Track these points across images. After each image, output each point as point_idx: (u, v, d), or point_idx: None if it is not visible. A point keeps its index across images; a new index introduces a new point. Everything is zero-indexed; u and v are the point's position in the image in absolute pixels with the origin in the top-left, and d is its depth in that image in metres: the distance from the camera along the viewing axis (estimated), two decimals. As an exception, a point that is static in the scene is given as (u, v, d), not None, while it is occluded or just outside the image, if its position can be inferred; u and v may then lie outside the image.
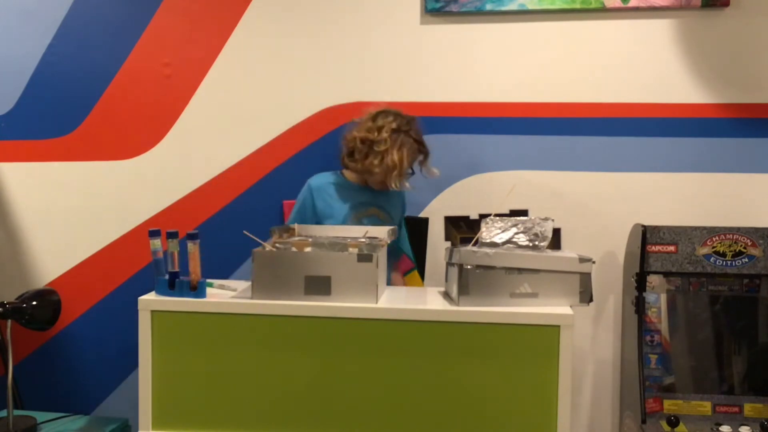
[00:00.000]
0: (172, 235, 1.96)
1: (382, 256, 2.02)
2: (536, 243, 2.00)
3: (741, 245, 2.33)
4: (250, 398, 1.92)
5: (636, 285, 2.39)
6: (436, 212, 2.69)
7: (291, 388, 1.91)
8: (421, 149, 2.39)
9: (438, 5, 2.64)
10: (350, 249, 1.97)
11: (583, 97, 2.65)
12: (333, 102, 2.73)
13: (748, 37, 2.57)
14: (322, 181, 2.48)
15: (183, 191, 2.80)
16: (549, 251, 2.00)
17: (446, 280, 2.13)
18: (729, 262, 2.33)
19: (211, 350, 1.93)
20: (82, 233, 2.83)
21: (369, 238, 2.16)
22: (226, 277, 2.62)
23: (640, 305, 2.37)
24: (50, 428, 2.31)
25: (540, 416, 1.84)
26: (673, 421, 2.22)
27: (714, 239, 2.34)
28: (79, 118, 2.82)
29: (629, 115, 2.63)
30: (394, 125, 2.36)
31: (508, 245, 2.01)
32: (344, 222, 2.40)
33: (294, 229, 2.25)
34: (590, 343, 2.68)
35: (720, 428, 2.24)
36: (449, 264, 2.05)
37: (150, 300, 1.95)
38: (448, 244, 2.67)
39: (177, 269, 1.97)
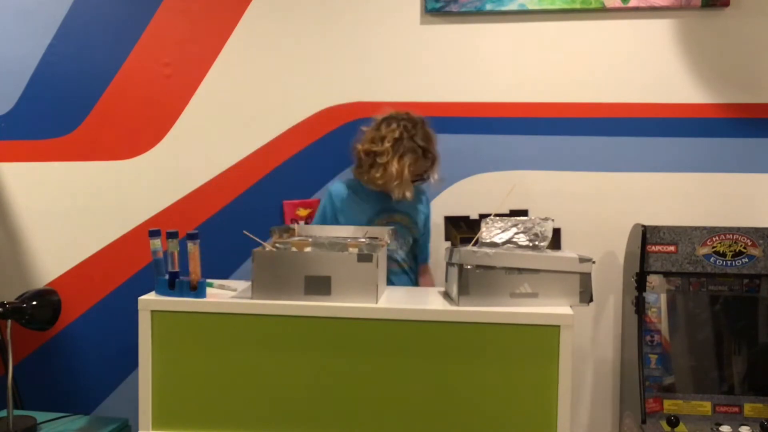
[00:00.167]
0: (172, 235, 1.96)
1: (382, 256, 2.02)
2: (536, 243, 2.00)
3: (741, 245, 2.33)
4: (250, 398, 1.92)
5: (636, 285, 2.39)
6: (436, 212, 2.69)
7: (291, 387, 1.91)
8: (426, 154, 2.36)
9: (438, 5, 2.64)
10: (350, 249, 1.97)
11: (583, 97, 2.64)
12: (333, 102, 2.73)
13: (748, 37, 2.57)
14: (341, 188, 2.49)
15: (183, 191, 2.80)
16: (549, 251, 2.01)
17: (446, 280, 2.13)
18: (729, 262, 2.33)
19: (211, 350, 1.93)
20: (82, 233, 2.83)
21: (369, 238, 2.16)
22: (226, 277, 2.61)
23: (640, 305, 2.37)
24: (50, 428, 2.31)
25: (540, 416, 1.85)
26: (673, 421, 2.22)
27: (714, 239, 2.34)
28: (79, 118, 2.82)
29: (629, 115, 2.62)
30: (396, 134, 2.35)
31: (508, 245, 2.01)
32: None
33: (294, 229, 2.25)
34: (590, 343, 2.68)
35: (720, 428, 2.23)
36: (449, 264, 2.05)
37: (150, 300, 1.95)
38: (448, 244, 2.67)
39: (177, 269, 1.97)
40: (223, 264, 2.64)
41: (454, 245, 2.44)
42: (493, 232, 2.04)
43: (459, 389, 1.88)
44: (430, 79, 2.69)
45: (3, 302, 2.27)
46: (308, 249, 2.00)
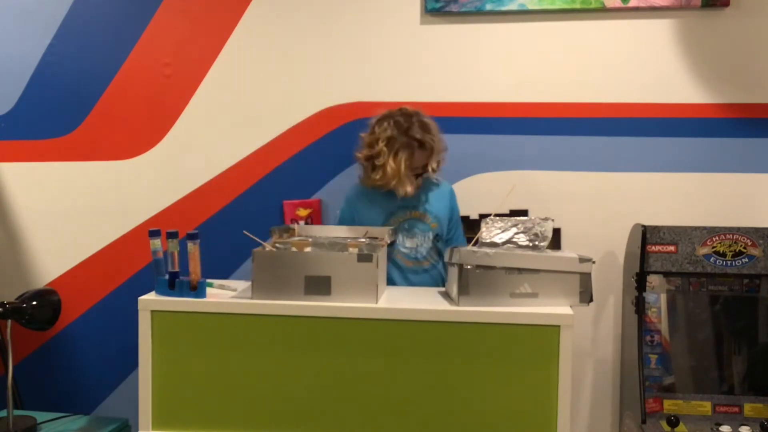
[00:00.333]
0: (172, 235, 1.96)
1: (382, 256, 2.02)
2: (536, 243, 2.00)
3: (741, 245, 2.33)
4: (250, 398, 1.92)
5: (636, 285, 2.39)
6: (436, 212, 2.69)
7: (291, 387, 1.91)
8: (423, 145, 2.32)
9: (438, 5, 2.64)
10: (350, 249, 1.97)
11: (583, 97, 2.64)
12: (333, 102, 2.73)
13: (748, 37, 2.57)
14: (354, 192, 2.49)
15: (183, 191, 2.80)
16: (549, 251, 2.01)
17: (446, 280, 2.13)
18: (729, 262, 2.33)
19: (211, 350, 1.93)
20: (82, 233, 2.83)
21: (369, 238, 2.16)
22: (226, 277, 2.61)
23: (640, 305, 2.37)
24: (50, 428, 2.31)
25: (540, 416, 1.85)
26: (673, 421, 2.22)
27: (714, 239, 2.34)
28: (79, 118, 2.82)
29: (629, 115, 2.62)
30: (388, 132, 2.33)
31: (508, 245, 2.01)
32: None
33: (294, 229, 2.25)
34: (590, 343, 2.68)
35: (720, 428, 2.23)
36: (449, 264, 2.05)
37: (150, 300, 1.95)
38: (448, 244, 2.67)
39: (177, 269, 1.97)
40: (223, 264, 2.64)
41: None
42: (493, 232, 2.04)
43: (459, 389, 1.88)
44: (430, 79, 2.69)
45: (3, 302, 2.27)
46: (308, 249, 2.00)
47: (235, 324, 1.91)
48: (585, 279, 1.92)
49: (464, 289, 1.88)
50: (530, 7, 2.61)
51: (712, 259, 2.34)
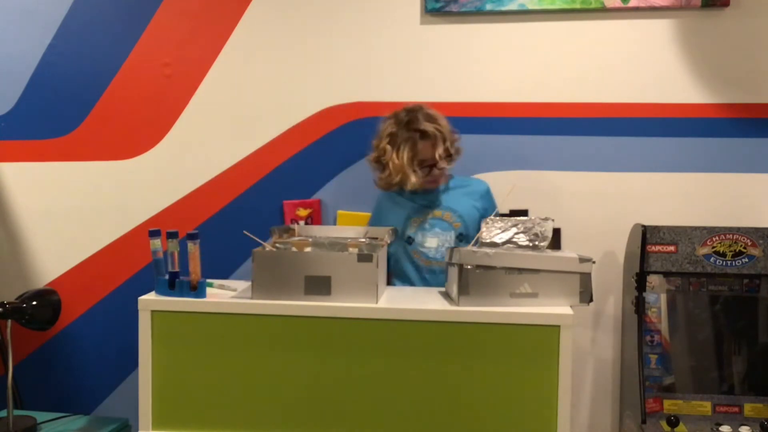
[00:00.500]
0: (172, 235, 1.96)
1: (382, 256, 2.02)
2: (536, 243, 2.00)
3: (741, 245, 2.33)
4: (250, 398, 1.92)
5: (636, 285, 2.39)
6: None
7: (291, 388, 1.91)
8: (425, 135, 2.28)
9: (438, 5, 2.64)
10: (350, 249, 1.97)
11: (583, 97, 2.64)
12: (333, 102, 2.73)
13: (748, 37, 2.57)
14: (381, 195, 2.48)
15: (183, 191, 2.80)
16: (549, 251, 2.01)
17: (446, 280, 2.13)
18: (729, 262, 2.33)
19: (211, 350, 1.93)
20: (82, 233, 2.83)
21: (369, 238, 2.16)
22: (226, 277, 2.62)
23: (640, 305, 2.37)
24: (50, 428, 2.31)
25: (540, 416, 1.85)
26: (673, 421, 2.22)
27: (714, 239, 2.34)
28: (79, 118, 2.82)
29: (629, 115, 2.62)
30: (390, 129, 2.32)
31: (508, 245, 2.01)
32: (404, 229, 2.38)
33: (294, 229, 2.25)
34: (590, 343, 2.68)
35: (720, 428, 2.23)
36: (449, 264, 2.05)
37: (150, 300, 1.95)
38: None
39: (177, 269, 1.97)
40: (223, 264, 2.64)
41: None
42: (493, 232, 2.04)
43: (459, 389, 1.88)
44: (430, 79, 2.69)
45: (3, 302, 2.27)
46: (308, 249, 2.00)
47: (235, 324, 1.91)
48: (585, 279, 1.91)
49: (464, 289, 1.88)
50: (530, 7, 2.61)
51: (712, 259, 2.34)
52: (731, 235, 2.34)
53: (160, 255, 1.97)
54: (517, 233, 2.02)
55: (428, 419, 1.89)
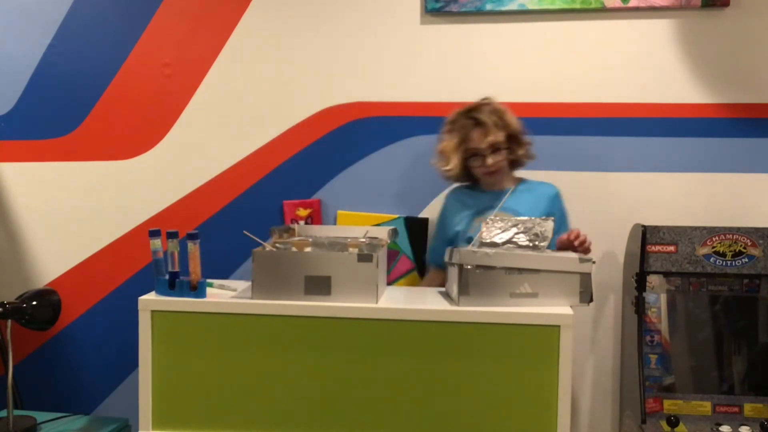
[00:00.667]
0: (172, 235, 1.96)
1: (382, 256, 2.02)
2: (536, 243, 2.00)
3: (741, 245, 2.33)
4: (249, 398, 1.92)
5: (636, 285, 2.39)
6: (436, 212, 2.69)
7: (291, 387, 1.91)
8: (479, 122, 2.28)
9: (438, 5, 2.64)
10: (350, 249, 1.97)
11: (583, 97, 2.64)
12: (333, 102, 2.73)
13: (748, 37, 2.57)
14: (448, 194, 2.50)
15: (183, 191, 2.80)
16: (549, 251, 2.01)
17: (446, 280, 2.13)
18: (729, 262, 2.33)
19: (211, 350, 1.93)
20: (82, 233, 2.83)
21: (369, 238, 2.16)
22: (226, 277, 2.62)
23: (640, 305, 2.37)
24: (50, 428, 2.31)
25: (540, 416, 1.85)
26: (673, 421, 2.22)
27: (714, 239, 2.34)
28: (79, 118, 2.82)
29: (629, 115, 2.62)
30: (452, 116, 2.35)
31: (509, 245, 2.01)
32: (466, 229, 2.37)
33: (294, 229, 2.25)
34: (590, 343, 2.68)
35: (720, 428, 2.23)
36: (449, 264, 2.05)
37: (150, 300, 1.95)
38: (448, 244, 2.66)
39: (177, 269, 1.97)
40: (223, 264, 2.64)
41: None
42: (493, 232, 2.04)
43: (459, 389, 1.88)
44: (430, 79, 2.69)
45: (3, 302, 2.27)
46: (308, 249, 2.00)
47: (235, 324, 1.91)
48: (585, 279, 1.91)
49: (464, 289, 1.88)
50: (530, 7, 2.61)
51: (712, 259, 2.34)
52: (731, 235, 2.34)
53: (160, 255, 1.97)
54: (517, 233, 2.02)
55: (428, 419, 1.89)
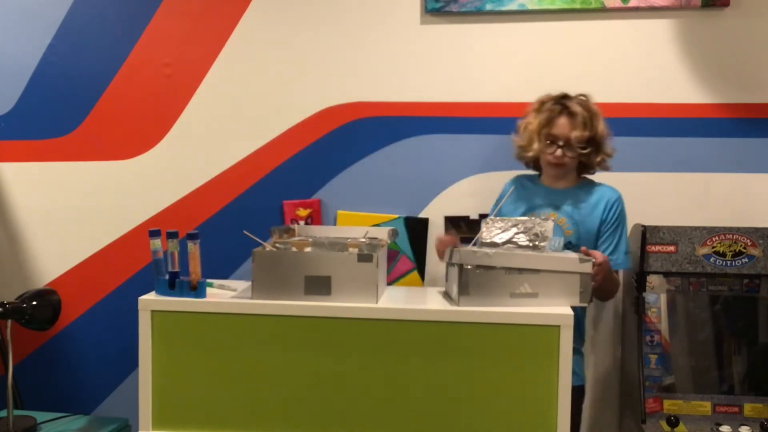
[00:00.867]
0: (172, 235, 1.96)
1: (382, 256, 2.02)
2: (536, 243, 2.00)
3: (741, 245, 2.33)
4: (250, 398, 1.92)
5: (636, 285, 2.39)
6: (436, 212, 2.69)
7: (291, 388, 1.91)
8: (567, 111, 2.23)
9: (438, 5, 2.64)
10: (350, 249, 1.97)
11: (583, 97, 2.64)
12: (333, 102, 2.73)
13: (748, 37, 2.57)
14: (514, 180, 2.44)
15: (183, 191, 2.80)
16: (549, 251, 2.00)
17: (446, 280, 2.13)
18: (729, 262, 2.33)
19: (211, 350, 1.93)
20: (82, 233, 2.83)
21: (369, 238, 2.16)
22: (226, 277, 2.62)
23: (640, 305, 2.37)
24: (50, 428, 2.31)
25: (540, 416, 1.84)
26: (673, 421, 2.22)
27: (714, 239, 2.34)
28: (79, 118, 2.82)
29: (629, 115, 2.62)
30: (543, 98, 2.31)
31: (508, 245, 2.01)
32: None
33: (294, 230, 2.25)
34: (590, 343, 2.68)
35: (720, 428, 2.23)
36: (449, 264, 2.05)
37: (150, 300, 1.95)
38: (448, 244, 2.66)
39: (177, 269, 1.97)
40: (223, 264, 2.64)
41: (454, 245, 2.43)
42: (493, 232, 2.04)
43: (459, 389, 1.88)
44: (430, 79, 2.69)
45: (3, 302, 2.27)
46: (308, 249, 2.00)
47: (235, 324, 1.91)
48: (585, 279, 1.91)
49: (464, 289, 1.88)
50: (530, 7, 2.61)
51: (711, 259, 2.34)
52: (731, 235, 2.34)
53: (160, 255, 1.97)
54: (517, 233, 2.02)
55: (428, 419, 1.89)
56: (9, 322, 2.23)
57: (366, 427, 1.90)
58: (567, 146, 2.25)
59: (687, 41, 2.59)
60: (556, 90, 2.65)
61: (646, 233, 2.35)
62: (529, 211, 2.33)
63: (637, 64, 2.61)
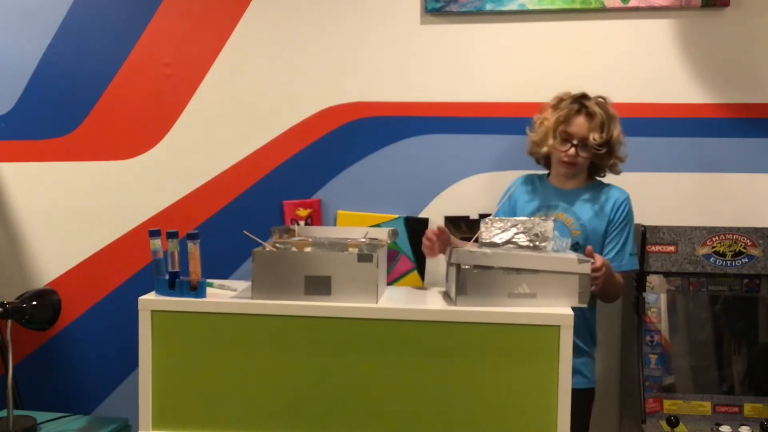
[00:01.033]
0: (172, 235, 1.96)
1: (382, 256, 2.02)
2: (536, 243, 2.00)
3: (741, 245, 2.33)
4: (250, 398, 1.92)
5: (636, 285, 2.39)
6: (436, 212, 2.69)
7: (291, 388, 1.91)
8: (586, 111, 2.21)
9: (438, 5, 2.64)
10: (350, 249, 1.97)
11: (583, 97, 2.64)
12: (333, 102, 2.73)
13: (748, 37, 2.57)
14: (521, 179, 2.43)
15: (183, 191, 2.80)
16: (548, 252, 2.00)
17: (446, 280, 2.13)
18: (729, 262, 2.33)
19: (211, 350, 1.93)
20: (82, 233, 2.83)
21: (369, 238, 2.16)
22: (226, 277, 2.62)
23: (640, 305, 2.37)
24: (50, 428, 2.31)
25: (540, 416, 1.85)
26: (673, 421, 2.22)
27: (714, 239, 2.34)
28: (79, 118, 2.82)
29: (629, 115, 2.61)
30: (562, 95, 2.29)
31: (508, 245, 2.01)
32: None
33: (294, 230, 2.25)
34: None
35: (720, 428, 2.23)
36: (448, 264, 2.05)
37: (150, 300, 1.95)
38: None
39: (177, 269, 1.97)
40: (223, 264, 2.64)
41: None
42: (492, 232, 2.04)
43: (458, 389, 1.88)
44: (430, 79, 2.69)
45: (3, 302, 2.28)
46: (308, 249, 2.00)
47: (235, 324, 1.91)
48: (584, 279, 1.91)
49: (462, 289, 1.88)
50: (530, 7, 2.61)
51: (711, 259, 2.34)
52: (731, 235, 2.34)
53: (160, 255, 1.97)
54: (517, 233, 2.02)
55: (428, 419, 1.89)
56: (9, 322, 2.24)
57: (366, 427, 1.90)
58: (581, 146, 2.24)
59: (687, 41, 2.59)
60: (555, 90, 2.65)
61: (646, 233, 2.35)
62: (538, 210, 2.33)
63: (637, 64, 2.61)
